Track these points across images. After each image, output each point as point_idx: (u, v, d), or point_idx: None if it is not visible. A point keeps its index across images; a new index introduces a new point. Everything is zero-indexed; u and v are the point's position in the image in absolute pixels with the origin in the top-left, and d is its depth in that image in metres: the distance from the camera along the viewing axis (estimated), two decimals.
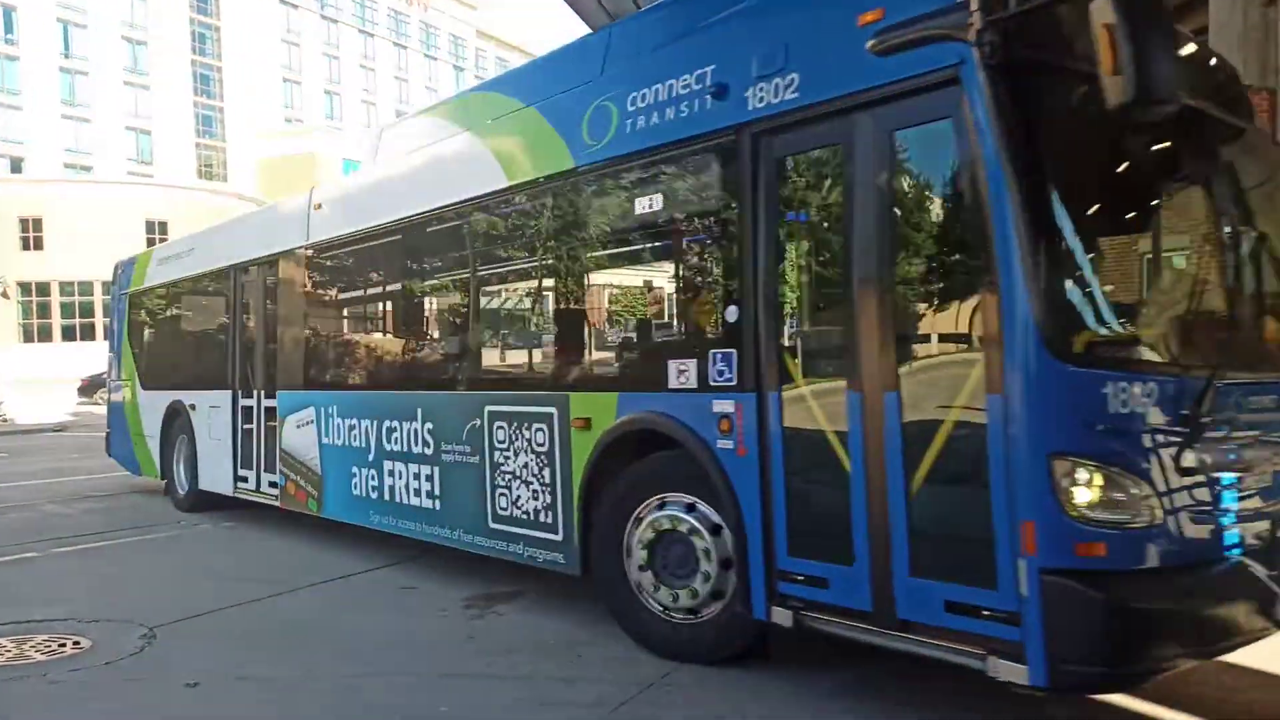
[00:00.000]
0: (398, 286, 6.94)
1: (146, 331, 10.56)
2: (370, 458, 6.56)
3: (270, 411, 7.90)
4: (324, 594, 6.20)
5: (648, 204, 4.78)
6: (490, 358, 6.14)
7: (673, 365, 4.52)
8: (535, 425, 5.24)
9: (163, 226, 40.98)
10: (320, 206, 7.50)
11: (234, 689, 4.43)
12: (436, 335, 6.72)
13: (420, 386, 6.34)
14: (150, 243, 34.89)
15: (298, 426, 7.43)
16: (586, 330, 5.39)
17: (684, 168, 4.61)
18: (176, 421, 9.47)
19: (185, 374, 9.53)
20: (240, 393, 8.44)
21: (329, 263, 7.67)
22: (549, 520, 5.19)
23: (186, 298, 9.91)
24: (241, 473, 8.38)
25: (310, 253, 7.68)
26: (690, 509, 4.46)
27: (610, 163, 4.93)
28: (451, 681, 4.45)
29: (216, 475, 8.74)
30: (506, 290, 6.14)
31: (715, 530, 4.36)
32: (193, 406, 9.13)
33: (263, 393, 8.09)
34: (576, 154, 5.10)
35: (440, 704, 4.17)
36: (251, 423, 8.22)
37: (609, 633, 5.03)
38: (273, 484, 7.86)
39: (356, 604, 5.98)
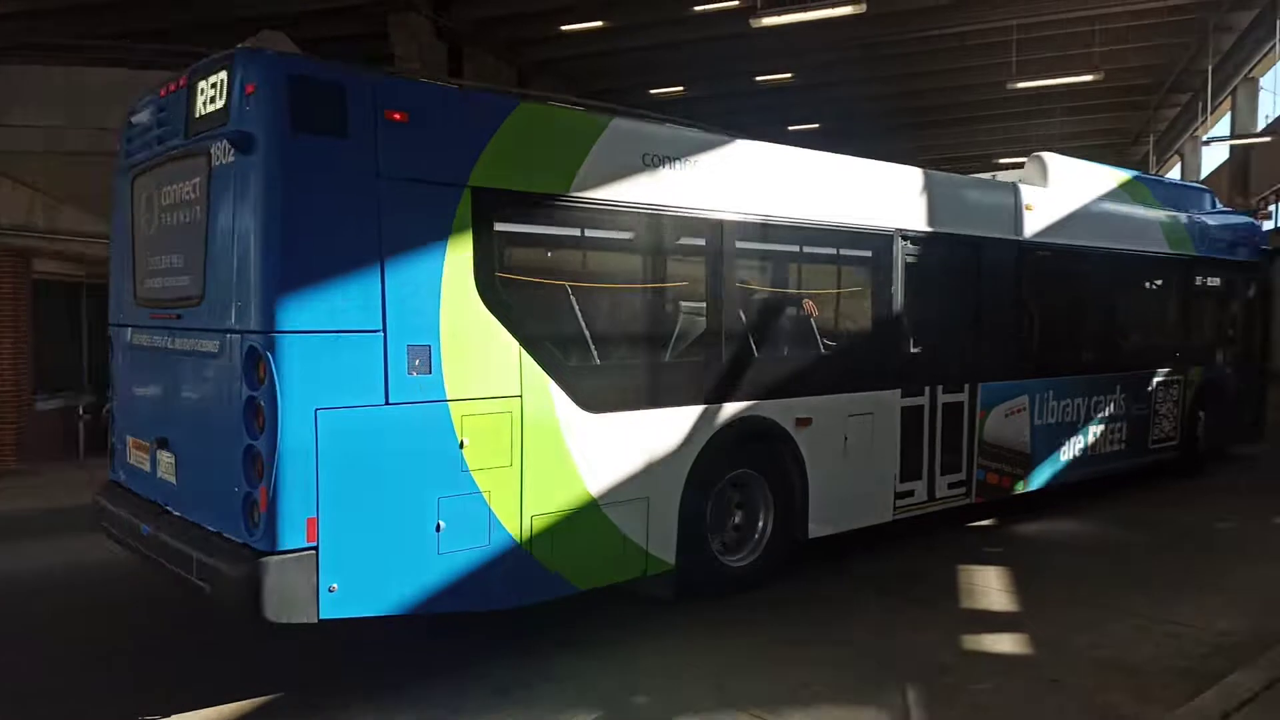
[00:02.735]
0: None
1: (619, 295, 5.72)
2: (1076, 428, 8.75)
3: (957, 407, 7.50)
4: None
5: None
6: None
7: None
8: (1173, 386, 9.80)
9: None
10: None
11: None
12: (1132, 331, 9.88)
13: (1114, 369, 9.21)
14: None
15: (1006, 416, 7.97)
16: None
17: None
18: (733, 455, 5.93)
19: (761, 376, 6.11)
20: (912, 391, 7.10)
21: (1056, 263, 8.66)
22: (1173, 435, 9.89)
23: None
24: (907, 487, 7.12)
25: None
26: None
27: None
28: None
29: (851, 508, 6.70)
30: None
31: None
32: (803, 421, 6.26)
33: (943, 388, 7.35)
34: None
35: None
36: (928, 424, 7.25)
37: None
38: (956, 484, 7.53)
39: None
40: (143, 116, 5.27)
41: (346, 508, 4.25)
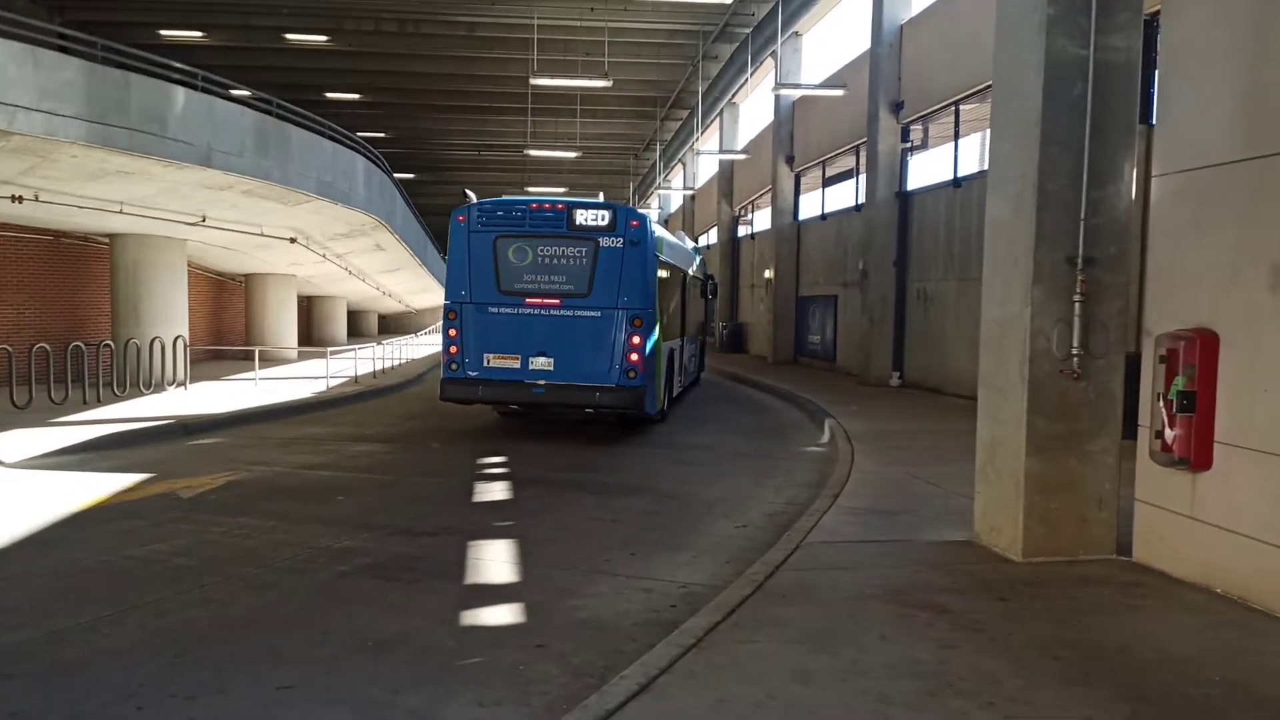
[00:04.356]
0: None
1: (671, 292, 15.18)
2: (693, 359, 20.03)
3: (682, 346, 16.71)
4: None
5: None
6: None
7: None
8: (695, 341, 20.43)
9: None
10: None
11: None
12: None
13: (694, 333, 19.90)
14: None
15: (687, 351, 17.89)
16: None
17: None
18: (668, 361, 14.31)
19: (672, 329, 15.12)
20: (685, 339, 17.25)
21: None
22: (699, 366, 21.59)
23: (675, 277, 16.01)
24: (680, 377, 16.53)
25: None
26: None
27: None
28: None
29: (680, 386, 16.76)
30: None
31: None
32: (673, 349, 15.09)
33: (683, 339, 17.01)
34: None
35: None
36: (680, 352, 16.40)
37: None
38: (684, 374, 17.62)
39: None
40: (500, 212, 12.54)
41: (651, 371, 12.42)
